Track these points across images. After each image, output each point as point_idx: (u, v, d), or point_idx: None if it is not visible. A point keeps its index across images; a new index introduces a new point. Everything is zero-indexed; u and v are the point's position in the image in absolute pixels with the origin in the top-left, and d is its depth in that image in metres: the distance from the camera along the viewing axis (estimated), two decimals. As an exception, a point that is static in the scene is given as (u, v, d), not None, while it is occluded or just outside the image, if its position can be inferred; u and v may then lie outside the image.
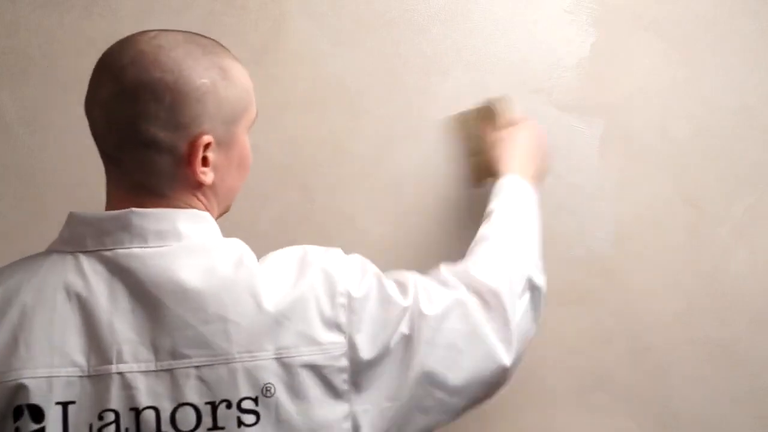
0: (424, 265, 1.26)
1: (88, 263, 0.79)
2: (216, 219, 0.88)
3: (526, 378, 1.27)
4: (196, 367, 0.76)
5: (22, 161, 1.30)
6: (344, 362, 0.80)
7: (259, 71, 1.28)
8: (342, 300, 0.81)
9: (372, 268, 0.88)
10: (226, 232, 0.86)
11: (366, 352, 0.81)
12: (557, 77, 1.27)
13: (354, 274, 0.85)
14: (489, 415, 1.26)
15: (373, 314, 0.83)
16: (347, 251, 0.95)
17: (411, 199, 1.28)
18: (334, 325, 0.80)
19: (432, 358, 0.86)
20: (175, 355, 0.76)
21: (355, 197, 1.28)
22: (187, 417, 0.75)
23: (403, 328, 0.84)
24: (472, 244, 1.02)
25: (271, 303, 0.78)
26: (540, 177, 1.14)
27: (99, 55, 0.85)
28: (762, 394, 1.23)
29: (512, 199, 1.06)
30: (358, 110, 1.28)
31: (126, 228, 0.80)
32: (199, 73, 0.81)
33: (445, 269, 0.95)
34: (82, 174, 1.29)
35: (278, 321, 0.78)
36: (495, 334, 0.90)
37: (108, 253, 0.79)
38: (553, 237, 1.26)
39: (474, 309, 0.90)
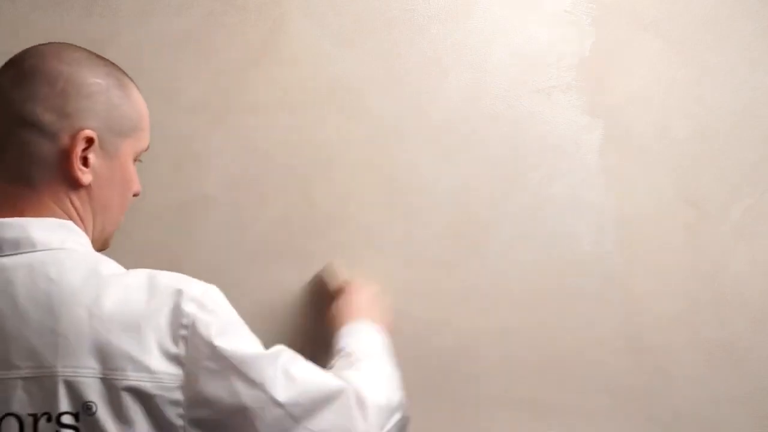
0: (425, 264, 1.27)
1: None
2: (99, 243, 0.87)
3: (526, 378, 1.27)
4: (23, 378, 0.75)
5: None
6: (179, 395, 0.77)
7: (259, 71, 1.28)
8: (184, 332, 0.78)
9: (233, 315, 0.83)
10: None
11: (206, 390, 0.78)
12: (557, 77, 1.27)
13: (210, 313, 0.80)
14: (489, 415, 1.26)
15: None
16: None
17: (411, 199, 1.28)
18: (173, 357, 0.77)
19: None
20: (6, 365, 0.76)
21: (355, 197, 1.28)
22: (11, 428, 0.75)
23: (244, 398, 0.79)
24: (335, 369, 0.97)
25: (105, 321, 0.76)
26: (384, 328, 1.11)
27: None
28: (762, 394, 1.23)
29: (368, 339, 1.04)
30: (358, 110, 1.28)
31: None
32: (96, 73, 0.84)
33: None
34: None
35: (109, 341, 0.76)
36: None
37: None
38: (553, 237, 1.26)
39: (349, 404, 0.86)
